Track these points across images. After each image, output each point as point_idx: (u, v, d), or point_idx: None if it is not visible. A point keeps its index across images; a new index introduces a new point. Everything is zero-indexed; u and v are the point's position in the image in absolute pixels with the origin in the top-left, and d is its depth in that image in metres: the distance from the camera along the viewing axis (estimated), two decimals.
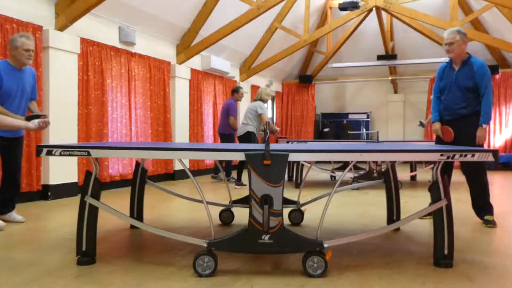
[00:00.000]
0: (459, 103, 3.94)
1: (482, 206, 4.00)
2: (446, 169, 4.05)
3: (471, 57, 3.98)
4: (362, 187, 6.68)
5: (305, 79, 13.32)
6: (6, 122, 3.41)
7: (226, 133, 7.54)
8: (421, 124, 7.34)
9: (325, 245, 2.54)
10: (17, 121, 3.50)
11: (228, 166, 7.59)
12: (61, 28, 5.67)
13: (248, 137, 6.81)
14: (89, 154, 2.63)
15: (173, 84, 8.14)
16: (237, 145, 3.86)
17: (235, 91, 7.72)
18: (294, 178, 7.54)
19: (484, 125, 3.87)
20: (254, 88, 11.48)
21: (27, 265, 2.74)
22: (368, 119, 13.60)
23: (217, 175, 7.95)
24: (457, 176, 8.54)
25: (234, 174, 7.81)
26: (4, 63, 3.79)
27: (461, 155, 2.51)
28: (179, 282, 2.44)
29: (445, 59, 10.79)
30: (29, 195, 5.32)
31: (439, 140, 4.17)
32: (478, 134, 3.87)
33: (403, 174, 8.00)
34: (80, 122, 6.02)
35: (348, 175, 7.14)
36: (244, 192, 6.13)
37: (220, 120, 7.76)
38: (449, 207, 2.65)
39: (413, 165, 8.35)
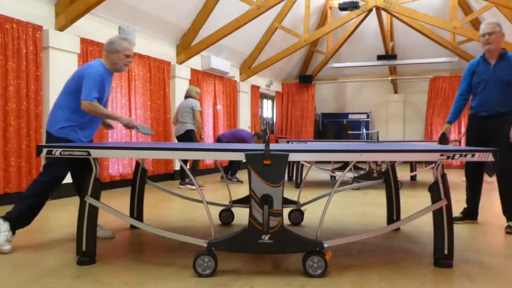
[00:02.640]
0: (499, 98, 3.69)
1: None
2: (478, 167, 3.94)
3: (507, 51, 3.76)
4: (362, 187, 6.68)
5: (305, 79, 13.31)
6: (105, 111, 3.28)
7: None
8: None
9: (325, 245, 2.54)
10: (113, 112, 3.44)
11: (232, 165, 7.67)
12: (61, 28, 5.67)
13: (188, 135, 6.67)
14: (89, 154, 2.63)
15: (173, 84, 8.14)
16: (237, 145, 3.86)
17: (258, 136, 7.86)
18: (294, 178, 7.54)
19: None
20: (254, 88, 11.49)
21: (27, 265, 2.74)
22: (368, 119, 13.60)
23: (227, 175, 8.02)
24: (455, 176, 8.54)
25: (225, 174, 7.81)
26: (103, 66, 3.35)
27: (461, 155, 2.51)
28: (179, 282, 2.43)
29: (446, 59, 10.94)
30: None
31: (472, 140, 3.90)
32: None
33: (403, 174, 8.00)
34: None
35: (348, 175, 7.14)
36: (243, 191, 6.13)
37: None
38: (449, 207, 2.65)
39: (413, 165, 8.35)
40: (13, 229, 3.09)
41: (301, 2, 10.30)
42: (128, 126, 3.42)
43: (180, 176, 7.02)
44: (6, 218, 3.07)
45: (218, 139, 7.74)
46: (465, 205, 4.12)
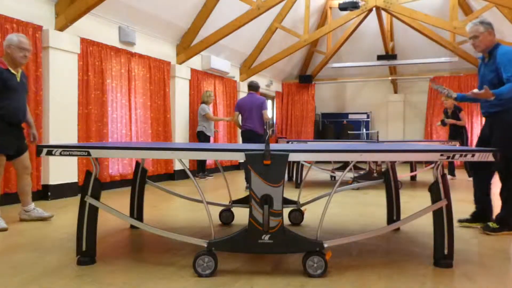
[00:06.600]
0: (487, 99, 3.46)
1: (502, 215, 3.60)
2: (484, 167, 3.72)
3: (498, 47, 3.49)
4: (362, 187, 6.68)
5: (305, 79, 13.31)
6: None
7: (260, 132, 6.66)
8: (443, 122, 8.31)
9: (325, 245, 2.54)
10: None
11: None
12: (61, 28, 5.67)
13: (198, 135, 8.25)
14: (89, 154, 2.62)
15: (173, 84, 8.14)
16: (236, 145, 3.86)
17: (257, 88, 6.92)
18: (294, 178, 7.54)
19: (493, 93, 3.30)
20: None
21: (27, 265, 2.74)
22: (368, 119, 13.59)
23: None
24: (459, 175, 8.54)
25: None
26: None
27: (461, 155, 2.51)
28: (179, 282, 2.44)
29: (445, 59, 10.93)
30: None
31: (481, 142, 3.78)
32: (482, 92, 3.33)
33: (403, 174, 8.00)
34: (80, 122, 6.02)
35: (348, 175, 7.14)
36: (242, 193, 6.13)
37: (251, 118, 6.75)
38: (449, 207, 2.65)
39: (413, 165, 8.35)
40: None
41: (301, 2, 10.29)
42: None
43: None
44: None
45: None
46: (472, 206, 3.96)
